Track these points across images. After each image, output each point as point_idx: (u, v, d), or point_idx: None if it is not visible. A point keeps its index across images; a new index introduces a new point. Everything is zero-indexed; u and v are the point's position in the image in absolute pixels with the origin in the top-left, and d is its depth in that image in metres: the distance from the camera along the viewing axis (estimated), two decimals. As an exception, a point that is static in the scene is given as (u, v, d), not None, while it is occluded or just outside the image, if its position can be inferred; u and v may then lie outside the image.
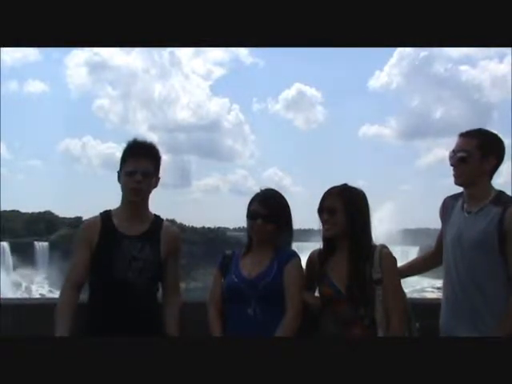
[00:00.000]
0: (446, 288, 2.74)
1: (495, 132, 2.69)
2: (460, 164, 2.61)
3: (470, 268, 2.57)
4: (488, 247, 2.51)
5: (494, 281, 2.53)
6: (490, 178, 2.65)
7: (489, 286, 2.54)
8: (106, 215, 2.71)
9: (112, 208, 2.75)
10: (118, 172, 2.66)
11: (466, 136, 2.65)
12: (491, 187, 2.64)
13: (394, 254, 2.60)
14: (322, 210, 2.58)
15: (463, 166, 2.60)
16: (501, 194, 2.61)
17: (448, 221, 2.75)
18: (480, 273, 2.54)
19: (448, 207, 2.78)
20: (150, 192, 2.69)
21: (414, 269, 3.02)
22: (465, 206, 2.67)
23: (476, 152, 2.58)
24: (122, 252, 2.60)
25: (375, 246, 2.58)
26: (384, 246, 2.59)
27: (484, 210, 2.57)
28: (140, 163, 2.59)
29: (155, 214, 2.76)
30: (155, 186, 2.71)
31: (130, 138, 2.69)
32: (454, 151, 2.65)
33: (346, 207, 2.54)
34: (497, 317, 2.49)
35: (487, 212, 2.55)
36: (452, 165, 2.65)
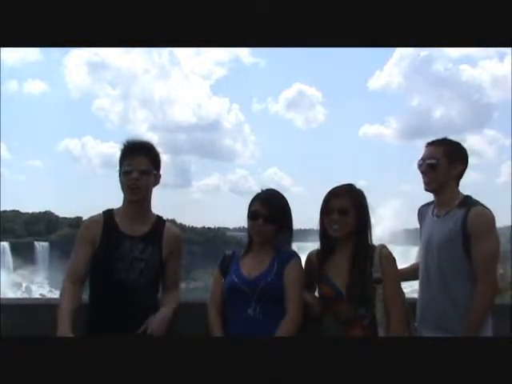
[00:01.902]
0: (419, 289, 2.84)
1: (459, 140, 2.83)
2: (429, 171, 2.74)
3: (438, 268, 2.67)
4: (454, 248, 2.61)
5: (460, 281, 2.62)
6: (457, 183, 2.78)
7: (455, 286, 2.63)
8: (109, 214, 2.70)
9: (113, 207, 2.75)
10: (119, 174, 2.67)
11: (434, 145, 2.79)
12: (458, 192, 2.76)
13: (395, 254, 2.62)
14: (330, 211, 2.57)
15: (432, 173, 2.74)
16: (467, 198, 2.72)
17: (422, 226, 2.88)
18: (447, 272, 2.64)
19: (423, 214, 2.92)
20: (149, 190, 2.69)
21: (415, 271, 3.03)
22: (435, 210, 2.80)
23: (443, 159, 2.72)
24: (123, 252, 2.60)
25: (375, 246, 2.59)
26: (383, 246, 2.60)
27: (450, 213, 2.69)
28: (136, 161, 2.60)
29: (157, 215, 2.75)
30: (156, 183, 2.71)
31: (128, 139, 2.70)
32: (423, 159, 2.78)
33: (355, 207, 2.56)
34: (461, 315, 2.58)
35: (453, 214, 2.67)
36: (422, 172, 2.78)
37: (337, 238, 2.59)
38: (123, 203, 2.70)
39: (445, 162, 2.72)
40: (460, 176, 2.78)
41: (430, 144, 2.81)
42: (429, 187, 2.78)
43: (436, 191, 2.77)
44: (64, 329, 2.34)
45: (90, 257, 2.61)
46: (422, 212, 2.93)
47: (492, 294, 2.59)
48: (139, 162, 2.60)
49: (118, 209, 2.72)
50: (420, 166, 2.79)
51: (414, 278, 2.98)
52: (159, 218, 2.74)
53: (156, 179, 2.71)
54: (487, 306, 2.58)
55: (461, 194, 2.75)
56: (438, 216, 2.76)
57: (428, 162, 2.74)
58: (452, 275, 2.63)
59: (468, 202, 2.68)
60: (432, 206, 2.84)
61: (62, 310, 2.44)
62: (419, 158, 2.81)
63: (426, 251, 2.75)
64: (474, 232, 2.57)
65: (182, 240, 2.82)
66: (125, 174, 2.61)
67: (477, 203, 2.66)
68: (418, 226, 2.98)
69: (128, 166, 2.60)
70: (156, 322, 2.51)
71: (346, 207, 2.55)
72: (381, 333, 2.47)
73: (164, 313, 2.58)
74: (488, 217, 2.62)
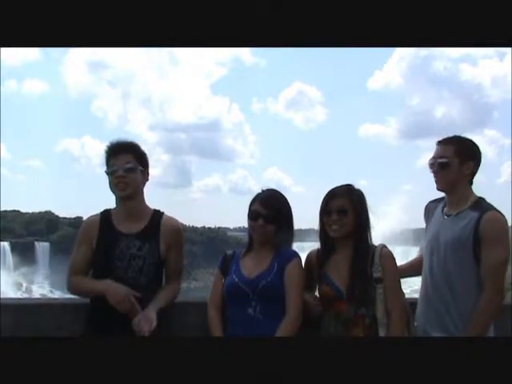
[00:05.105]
0: (421, 287, 2.81)
1: (470, 138, 2.77)
2: (440, 170, 2.69)
3: (444, 268, 2.64)
4: (462, 249, 2.58)
5: (465, 281, 2.59)
6: (470, 183, 2.73)
7: (460, 287, 2.60)
8: (106, 214, 2.73)
9: (112, 207, 2.76)
10: (107, 176, 2.68)
11: (445, 143, 2.73)
12: (471, 193, 2.71)
13: (395, 254, 2.62)
14: (329, 211, 2.57)
15: (443, 172, 2.69)
16: (480, 200, 2.68)
17: (429, 223, 2.84)
18: (453, 273, 2.61)
19: (430, 210, 2.88)
20: (138, 187, 2.69)
21: (415, 268, 3.03)
22: (445, 209, 2.75)
23: (454, 158, 2.66)
24: (121, 251, 2.61)
25: (375, 246, 2.60)
26: (384, 246, 2.60)
27: (462, 213, 2.64)
28: (119, 160, 2.63)
29: (154, 210, 2.75)
30: (145, 180, 2.73)
31: (129, 138, 2.74)
32: (434, 158, 2.73)
33: (355, 207, 2.56)
34: (465, 317, 2.56)
35: (465, 216, 2.62)
36: (434, 171, 2.73)
37: (336, 238, 2.59)
38: (116, 204, 2.72)
39: (456, 161, 2.66)
40: (472, 175, 2.71)
41: (440, 142, 2.75)
42: (440, 187, 2.73)
43: (448, 190, 2.72)
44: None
45: (89, 256, 2.66)
46: (430, 208, 2.88)
47: (498, 301, 2.55)
48: (123, 160, 2.63)
49: (114, 208, 2.74)
50: (431, 166, 2.73)
51: (415, 275, 2.97)
52: (156, 213, 2.74)
53: (144, 176, 2.72)
54: (492, 313, 2.55)
55: (474, 194, 2.70)
56: (448, 215, 2.71)
57: (439, 161, 2.69)
58: (458, 277, 2.60)
59: (482, 205, 2.63)
60: (442, 204, 2.79)
61: (80, 281, 2.64)
62: (430, 157, 2.75)
63: (432, 249, 2.72)
64: (486, 237, 2.52)
65: (180, 231, 2.79)
66: (111, 174, 2.64)
67: (491, 207, 2.61)
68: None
69: (113, 165, 2.63)
70: (139, 322, 2.44)
71: (345, 207, 2.55)
72: (381, 332, 2.47)
73: (145, 313, 2.49)
74: (502, 223, 2.57)
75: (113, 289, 2.48)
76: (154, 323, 2.44)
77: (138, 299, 2.49)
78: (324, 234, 2.63)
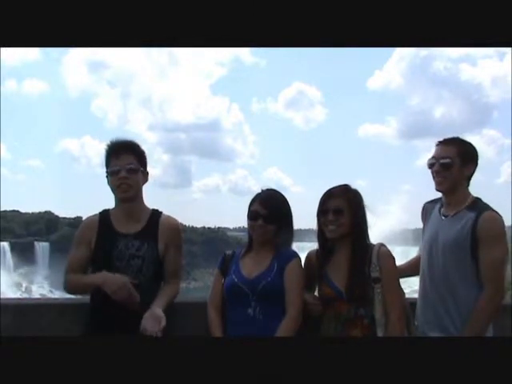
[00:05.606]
0: (419, 288, 2.82)
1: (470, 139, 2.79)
2: (443, 170, 2.68)
3: (443, 268, 2.64)
4: (461, 249, 2.59)
5: (464, 281, 2.60)
6: (468, 184, 2.74)
7: (459, 287, 2.61)
8: (105, 214, 2.73)
9: (111, 207, 2.75)
10: (107, 176, 2.68)
11: (447, 144, 2.73)
12: (469, 193, 2.72)
13: (395, 254, 2.61)
14: (325, 211, 2.57)
15: (446, 173, 2.68)
16: (477, 200, 2.69)
17: (426, 224, 2.85)
18: (452, 273, 2.62)
19: (427, 211, 2.88)
20: (139, 188, 2.69)
21: (413, 267, 3.03)
22: (442, 210, 2.76)
23: (457, 159, 2.67)
24: (120, 251, 2.61)
25: (373, 245, 2.59)
26: (382, 245, 2.60)
27: (459, 214, 2.65)
28: (122, 160, 2.61)
29: (153, 209, 2.75)
30: (145, 181, 2.72)
31: (129, 137, 2.73)
32: (435, 158, 2.72)
33: (351, 207, 2.55)
34: (464, 316, 2.57)
35: (462, 216, 2.63)
36: (435, 171, 2.71)
37: (333, 238, 2.59)
38: (115, 204, 2.71)
39: (458, 162, 2.66)
40: (471, 177, 2.73)
41: (442, 143, 2.74)
42: (441, 187, 2.72)
43: (448, 191, 2.72)
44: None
45: (87, 256, 2.65)
46: (427, 209, 2.89)
47: (498, 300, 2.56)
48: (125, 161, 2.61)
49: (113, 209, 2.74)
50: (432, 166, 2.72)
51: (414, 274, 2.97)
52: (154, 212, 2.74)
53: (144, 176, 2.72)
54: (492, 312, 2.56)
55: (471, 195, 2.71)
56: (445, 216, 2.72)
57: (442, 161, 2.68)
58: (457, 277, 2.61)
59: (479, 205, 2.64)
60: (439, 205, 2.80)
61: (77, 278, 2.62)
62: (430, 157, 2.75)
63: (430, 250, 2.72)
64: (484, 237, 2.54)
65: (178, 230, 2.78)
66: (112, 174, 2.62)
67: (488, 208, 2.62)
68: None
69: (115, 165, 2.62)
70: (148, 321, 2.45)
71: (341, 207, 2.54)
72: (379, 332, 2.47)
73: (152, 311, 2.50)
74: (499, 223, 2.59)
75: (109, 279, 2.46)
76: (163, 322, 2.43)
77: (135, 286, 2.47)
78: (321, 234, 2.63)
